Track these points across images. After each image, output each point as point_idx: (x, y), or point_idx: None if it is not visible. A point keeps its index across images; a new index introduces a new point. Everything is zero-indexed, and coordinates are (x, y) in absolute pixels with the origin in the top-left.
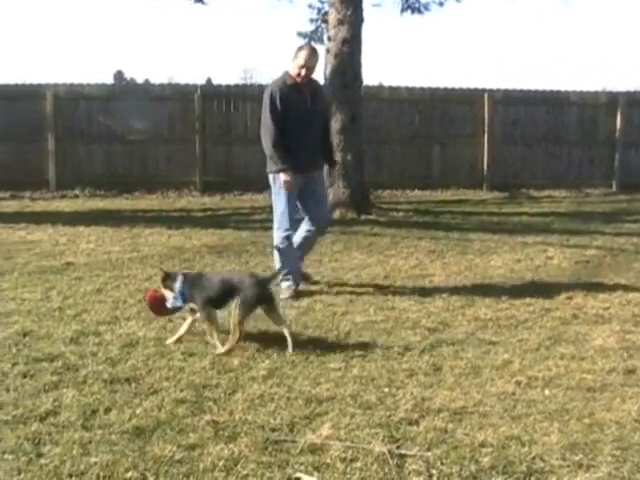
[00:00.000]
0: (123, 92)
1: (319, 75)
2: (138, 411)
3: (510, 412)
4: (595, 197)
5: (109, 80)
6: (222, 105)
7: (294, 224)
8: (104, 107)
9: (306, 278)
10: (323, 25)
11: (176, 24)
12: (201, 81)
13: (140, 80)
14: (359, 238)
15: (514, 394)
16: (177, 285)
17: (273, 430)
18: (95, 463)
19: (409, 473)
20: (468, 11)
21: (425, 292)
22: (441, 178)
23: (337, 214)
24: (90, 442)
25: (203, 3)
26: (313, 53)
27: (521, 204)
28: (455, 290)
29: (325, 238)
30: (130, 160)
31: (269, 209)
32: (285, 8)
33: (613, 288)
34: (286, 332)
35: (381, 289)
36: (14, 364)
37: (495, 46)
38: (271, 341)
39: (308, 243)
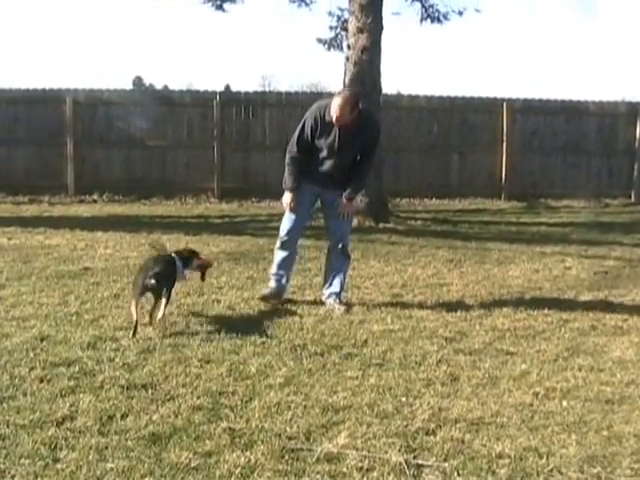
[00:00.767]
0: (142, 97)
1: (338, 84)
2: (155, 417)
3: (528, 423)
4: (614, 207)
5: (128, 86)
6: (241, 112)
7: (291, 233)
8: (123, 112)
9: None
10: (343, 33)
11: (195, 30)
12: (220, 87)
13: (159, 86)
14: (377, 246)
15: (532, 405)
16: None
17: (290, 438)
18: (111, 469)
19: None
20: (487, 20)
21: (443, 301)
22: (459, 187)
23: (355, 222)
24: (106, 448)
25: (223, 10)
26: (344, 104)
27: (539, 214)
28: (473, 300)
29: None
30: (149, 166)
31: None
32: (304, 15)
33: (632, 299)
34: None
35: (398, 298)
36: (31, 368)
37: (514, 55)
38: (288, 349)
39: (332, 265)
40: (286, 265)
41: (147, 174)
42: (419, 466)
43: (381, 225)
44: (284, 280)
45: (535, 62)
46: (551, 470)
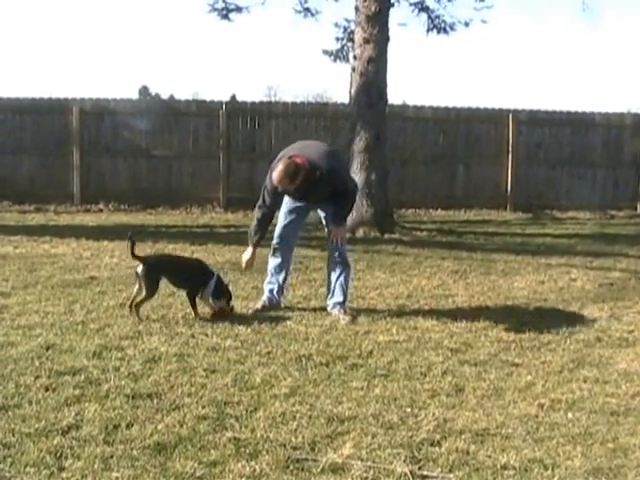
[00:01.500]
0: (148, 107)
1: (344, 94)
2: (160, 427)
3: (533, 435)
4: (620, 219)
5: (134, 95)
6: (247, 122)
7: (283, 239)
8: (129, 122)
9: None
10: (349, 44)
11: (201, 40)
12: (225, 97)
13: (165, 95)
14: (382, 257)
15: (537, 416)
16: None
17: (294, 448)
18: (117, 478)
19: None
20: (493, 31)
21: (448, 312)
22: (465, 198)
23: (361, 233)
24: (112, 457)
25: (229, 20)
26: (281, 176)
27: (545, 225)
28: (478, 311)
29: (348, 256)
30: (154, 175)
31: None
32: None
33: (637, 311)
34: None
35: (404, 308)
36: (37, 377)
37: (520, 66)
38: (293, 360)
39: (333, 276)
40: (278, 273)
41: (153, 183)
42: (424, 477)
43: (386, 236)
44: (276, 289)
45: (541, 73)
46: None
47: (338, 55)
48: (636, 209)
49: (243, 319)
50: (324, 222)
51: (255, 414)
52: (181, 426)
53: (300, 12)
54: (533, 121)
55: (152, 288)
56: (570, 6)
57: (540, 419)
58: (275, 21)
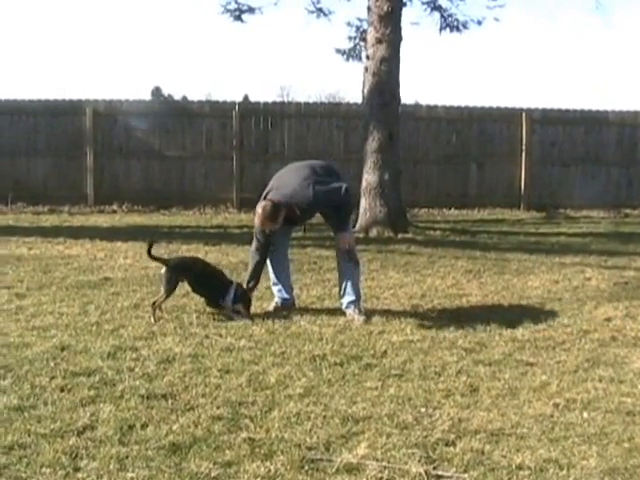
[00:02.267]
0: (161, 108)
1: (357, 94)
2: (175, 427)
3: (548, 434)
4: (634, 217)
5: (147, 96)
6: (260, 122)
7: (277, 241)
8: (142, 123)
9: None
10: (361, 43)
11: (214, 41)
12: (238, 98)
13: (178, 97)
14: (396, 257)
15: (552, 416)
16: None
17: (309, 449)
18: (132, 478)
19: None
20: (506, 30)
21: (462, 312)
22: (478, 197)
23: (374, 232)
24: (127, 457)
25: (242, 21)
26: (262, 219)
27: (559, 224)
28: (492, 310)
29: (362, 256)
30: (168, 176)
31: (306, 226)
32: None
33: None
34: None
35: (418, 308)
36: (52, 378)
37: (533, 65)
38: (307, 360)
39: (344, 274)
40: (280, 273)
41: (166, 184)
42: (439, 477)
43: (400, 235)
44: (284, 289)
45: (554, 72)
46: None
47: (351, 54)
48: None
49: (257, 319)
50: (329, 223)
51: (270, 414)
52: (196, 426)
53: (313, 12)
54: (546, 120)
55: (170, 289)
56: (582, 3)
57: (555, 419)
58: (288, 21)
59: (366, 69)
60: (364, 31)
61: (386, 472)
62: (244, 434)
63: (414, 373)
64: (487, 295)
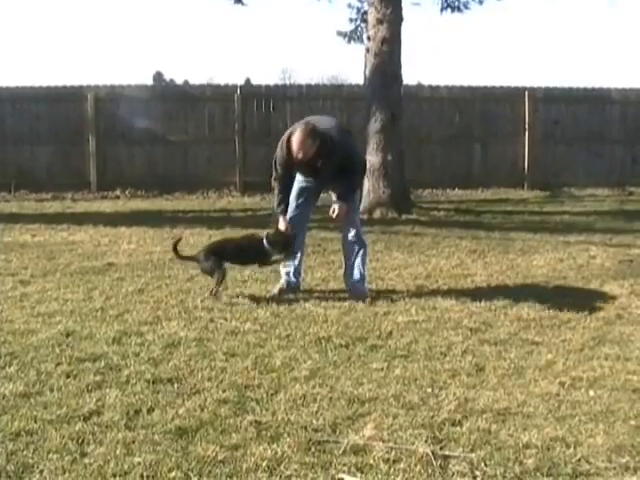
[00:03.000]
0: (163, 93)
1: (359, 76)
2: (181, 411)
3: (554, 413)
4: (638, 195)
5: (149, 81)
6: (262, 105)
7: (296, 223)
8: (144, 108)
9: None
10: (362, 24)
11: (215, 25)
12: (240, 82)
13: (179, 81)
14: (400, 238)
15: (558, 395)
16: None
17: (316, 431)
18: (139, 463)
19: (453, 474)
20: (508, 8)
21: (467, 292)
22: (482, 177)
23: (378, 214)
24: (133, 442)
25: (242, 4)
26: (302, 139)
27: (563, 203)
28: (497, 290)
29: (366, 238)
30: (171, 161)
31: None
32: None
33: None
34: None
35: (423, 289)
36: (58, 364)
37: (536, 43)
38: (312, 342)
39: (348, 255)
40: (298, 271)
41: (169, 169)
42: (446, 457)
43: (404, 216)
44: (292, 272)
45: (557, 49)
46: (579, 460)
47: (352, 36)
48: None
49: (262, 302)
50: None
51: (275, 397)
52: (202, 410)
53: None
54: (550, 98)
55: (219, 275)
56: None
57: (561, 397)
58: (289, 3)
59: (367, 50)
60: (365, 12)
61: (393, 453)
62: (250, 417)
63: (420, 354)
64: (492, 275)
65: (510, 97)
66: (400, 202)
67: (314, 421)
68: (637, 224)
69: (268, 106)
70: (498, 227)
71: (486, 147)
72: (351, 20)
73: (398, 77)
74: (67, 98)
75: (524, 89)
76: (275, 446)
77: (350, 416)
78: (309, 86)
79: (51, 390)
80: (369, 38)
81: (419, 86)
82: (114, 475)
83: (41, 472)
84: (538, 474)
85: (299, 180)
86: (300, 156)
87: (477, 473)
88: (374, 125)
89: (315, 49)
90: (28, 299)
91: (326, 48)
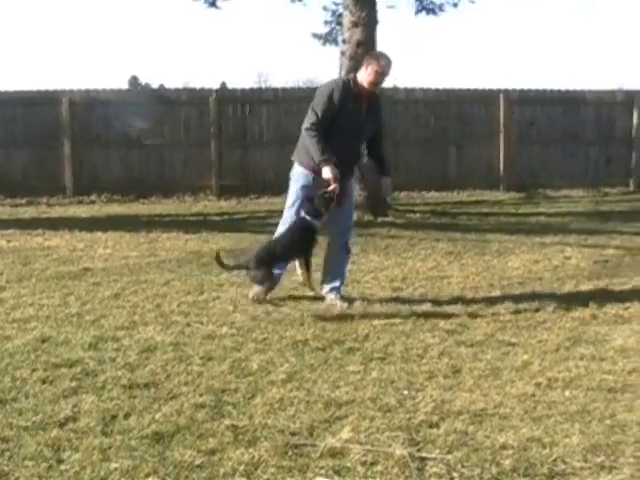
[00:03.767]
0: (139, 97)
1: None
2: (157, 416)
3: (531, 414)
4: (613, 196)
5: (124, 85)
6: (237, 109)
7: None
8: (120, 112)
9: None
10: (338, 27)
11: (191, 29)
12: (216, 85)
13: (155, 85)
14: (376, 240)
15: (534, 395)
16: None
17: (293, 434)
18: (115, 469)
19: (430, 476)
20: (482, 11)
21: (443, 294)
22: (458, 179)
23: (355, 216)
24: (110, 448)
25: (216, 7)
26: (391, 62)
27: (538, 204)
28: (473, 291)
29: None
30: (147, 165)
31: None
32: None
33: (632, 287)
34: None
35: (399, 291)
36: (33, 370)
37: (510, 46)
38: (289, 345)
39: (334, 260)
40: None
41: (145, 173)
42: (423, 459)
43: (380, 219)
44: (278, 275)
45: (531, 51)
46: (555, 460)
47: (327, 39)
48: (629, 186)
49: (238, 306)
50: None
51: (253, 401)
52: (179, 415)
53: None
54: (524, 100)
55: (269, 283)
56: None
57: (537, 398)
58: (263, 7)
59: (342, 53)
60: (340, 15)
61: (370, 455)
62: (227, 421)
63: (396, 356)
64: (468, 276)
65: (485, 99)
66: (376, 205)
67: (291, 425)
68: (611, 225)
69: (244, 110)
70: (474, 229)
71: (462, 149)
72: (326, 23)
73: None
74: (42, 102)
75: (499, 91)
76: (252, 450)
77: (327, 419)
78: (284, 89)
79: (26, 396)
80: (344, 41)
81: (395, 89)
82: None
83: (17, 479)
84: (515, 475)
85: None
86: (375, 85)
87: (454, 475)
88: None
89: (291, 53)
90: (3, 305)
91: (302, 52)
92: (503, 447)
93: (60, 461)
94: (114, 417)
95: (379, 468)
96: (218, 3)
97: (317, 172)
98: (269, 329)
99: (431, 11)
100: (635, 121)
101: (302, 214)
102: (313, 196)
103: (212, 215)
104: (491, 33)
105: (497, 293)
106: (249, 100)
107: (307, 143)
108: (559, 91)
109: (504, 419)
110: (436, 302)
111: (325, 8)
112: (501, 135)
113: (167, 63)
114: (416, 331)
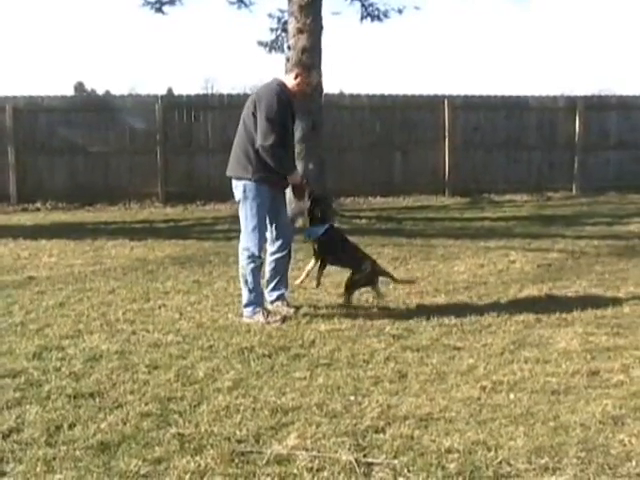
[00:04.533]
0: (84, 104)
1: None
2: (103, 426)
3: (476, 417)
4: (556, 200)
5: (69, 92)
6: (183, 115)
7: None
8: (64, 119)
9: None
10: (283, 34)
11: (137, 34)
12: (163, 91)
13: (101, 91)
14: None
15: (479, 399)
16: None
17: (239, 441)
18: None
19: None
20: (427, 18)
21: (389, 299)
22: (403, 185)
23: (299, 223)
24: (54, 459)
25: (163, 13)
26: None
27: (483, 209)
28: (419, 296)
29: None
30: (92, 172)
31: (231, 219)
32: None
33: (575, 291)
34: None
35: (345, 297)
36: None
37: (455, 52)
38: (235, 352)
39: (280, 267)
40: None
41: (90, 180)
42: (369, 464)
43: None
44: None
45: (476, 58)
46: (500, 462)
47: (273, 46)
48: (572, 190)
49: (184, 313)
50: (276, 214)
51: (199, 409)
52: (124, 424)
53: (234, 3)
54: (468, 106)
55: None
56: None
57: (482, 401)
58: (211, 13)
59: (288, 60)
60: (286, 22)
61: (316, 461)
62: (173, 429)
63: (342, 361)
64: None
65: (430, 105)
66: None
67: (237, 432)
68: (554, 228)
69: (190, 116)
70: (419, 234)
71: (407, 154)
72: (272, 30)
73: (318, 86)
74: None
75: (443, 97)
76: (198, 458)
77: (273, 426)
78: (230, 96)
79: None
80: (289, 47)
81: (340, 95)
82: None
83: None
84: (460, 478)
85: (263, 197)
86: (307, 90)
87: (400, 479)
88: (295, 134)
89: (237, 59)
90: None
91: (248, 58)
92: (449, 451)
93: (3, 473)
94: (58, 427)
95: (325, 474)
96: (164, 8)
97: (277, 185)
98: (215, 336)
99: (376, 17)
100: (577, 126)
101: (327, 225)
102: (304, 209)
103: (158, 222)
104: (436, 39)
105: (442, 298)
106: (195, 106)
107: (272, 160)
108: (502, 97)
109: (450, 423)
110: (382, 307)
111: (271, 15)
112: (446, 140)
113: (114, 68)
114: (362, 336)
